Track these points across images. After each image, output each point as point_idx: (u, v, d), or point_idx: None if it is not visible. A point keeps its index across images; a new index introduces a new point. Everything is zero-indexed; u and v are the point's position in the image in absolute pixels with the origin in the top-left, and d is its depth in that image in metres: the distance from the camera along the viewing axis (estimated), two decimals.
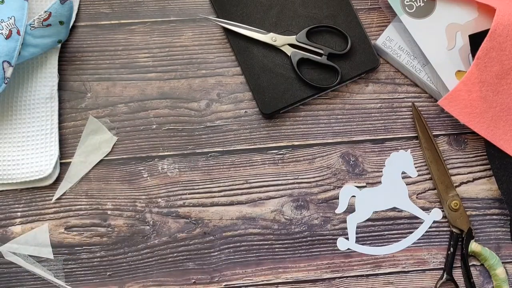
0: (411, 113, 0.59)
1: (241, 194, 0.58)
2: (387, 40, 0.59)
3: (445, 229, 0.58)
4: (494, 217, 0.58)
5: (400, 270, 0.57)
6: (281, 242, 0.57)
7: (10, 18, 0.53)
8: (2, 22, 0.53)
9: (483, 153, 0.59)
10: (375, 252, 0.57)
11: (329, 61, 0.57)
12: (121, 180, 0.58)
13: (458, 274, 0.57)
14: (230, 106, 0.59)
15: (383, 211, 0.58)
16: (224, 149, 0.59)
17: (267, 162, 0.58)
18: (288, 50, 0.58)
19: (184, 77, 0.59)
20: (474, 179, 0.59)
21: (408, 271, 0.57)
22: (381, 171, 0.58)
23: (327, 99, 0.59)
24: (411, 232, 0.58)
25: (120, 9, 0.60)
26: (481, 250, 0.57)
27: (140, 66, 0.59)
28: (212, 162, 0.58)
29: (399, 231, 0.58)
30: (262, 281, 0.57)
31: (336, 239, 0.58)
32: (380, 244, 0.58)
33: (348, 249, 0.58)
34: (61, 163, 0.58)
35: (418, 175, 0.58)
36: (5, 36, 0.53)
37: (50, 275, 0.56)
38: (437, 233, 0.58)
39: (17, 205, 0.57)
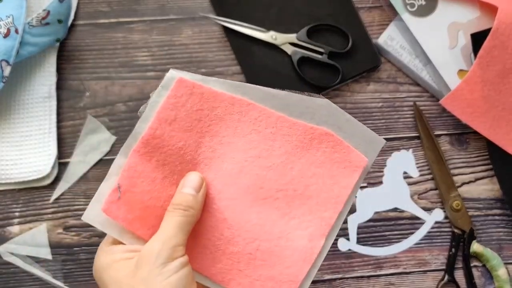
0: (412, 112, 0.59)
1: None
2: (389, 39, 0.58)
3: (446, 229, 0.58)
4: (496, 217, 0.58)
5: (401, 271, 0.57)
6: None
7: (8, 17, 0.53)
8: (0, 21, 0.53)
9: (485, 153, 0.58)
10: (376, 253, 0.57)
11: (330, 60, 0.57)
12: None
13: (459, 275, 0.57)
14: None
15: (384, 211, 0.58)
16: None
17: None
18: (289, 49, 0.57)
19: None
20: (476, 179, 0.58)
21: (410, 272, 0.57)
22: (383, 171, 0.58)
23: (328, 98, 0.59)
24: (412, 233, 0.57)
25: (119, 8, 0.60)
26: (483, 251, 0.56)
27: (139, 65, 0.59)
28: None
29: (401, 232, 0.57)
30: None
31: (337, 239, 0.57)
32: (381, 245, 0.57)
33: (349, 249, 0.57)
34: (59, 163, 0.57)
35: (420, 175, 0.58)
36: (3, 35, 0.52)
37: (49, 275, 0.56)
38: (438, 233, 0.58)
39: (15, 205, 0.57)
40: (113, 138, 0.58)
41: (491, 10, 0.55)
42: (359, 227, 0.57)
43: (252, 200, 0.43)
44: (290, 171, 0.43)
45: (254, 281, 0.43)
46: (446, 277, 0.57)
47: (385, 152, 0.58)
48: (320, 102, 0.43)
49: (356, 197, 0.57)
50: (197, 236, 0.43)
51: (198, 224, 0.43)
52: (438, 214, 0.58)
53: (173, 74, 0.42)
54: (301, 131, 0.43)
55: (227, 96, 0.43)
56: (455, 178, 0.58)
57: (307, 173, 0.43)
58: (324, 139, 0.43)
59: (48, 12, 0.54)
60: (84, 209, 0.56)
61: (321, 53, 0.57)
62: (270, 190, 0.43)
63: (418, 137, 0.59)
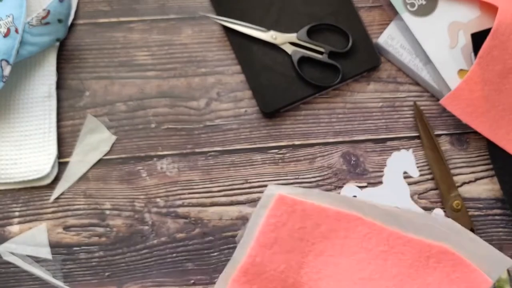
0: (412, 112, 0.59)
1: (241, 194, 0.57)
2: (389, 39, 0.58)
3: None
4: (497, 217, 0.58)
5: None
6: None
7: (9, 16, 0.53)
8: (0, 20, 0.53)
9: (486, 153, 0.58)
10: None
11: (330, 60, 0.57)
12: (119, 180, 0.57)
13: None
14: (229, 105, 0.59)
15: None
16: (223, 149, 0.58)
17: (267, 161, 0.58)
18: (289, 49, 0.57)
19: (183, 75, 0.59)
20: (476, 179, 0.58)
21: None
22: (383, 171, 0.58)
23: (328, 98, 0.59)
24: None
25: (119, 7, 0.60)
26: None
27: (139, 64, 0.59)
28: (211, 162, 0.58)
29: None
30: None
31: None
32: None
33: None
34: (59, 163, 0.57)
35: (420, 175, 0.58)
36: (3, 34, 0.52)
37: (49, 275, 0.56)
38: None
39: (15, 205, 0.57)
40: (113, 137, 0.58)
41: (492, 10, 0.55)
42: None
43: None
44: None
45: None
46: None
47: (385, 152, 0.58)
48: (441, 221, 0.39)
49: (356, 196, 0.57)
50: None
51: None
52: (438, 214, 0.58)
53: (271, 190, 0.39)
54: (417, 249, 0.39)
55: (332, 211, 0.39)
56: (455, 178, 0.58)
57: None
58: (443, 258, 0.39)
59: (48, 12, 0.54)
60: (83, 209, 0.57)
61: (321, 53, 0.57)
62: None
63: (418, 137, 0.59)
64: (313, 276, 0.38)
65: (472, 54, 0.55)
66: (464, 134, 0.59)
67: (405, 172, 0.58)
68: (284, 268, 0.38)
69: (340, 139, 0.59)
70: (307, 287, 0.38)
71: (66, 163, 0.57)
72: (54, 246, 0.57)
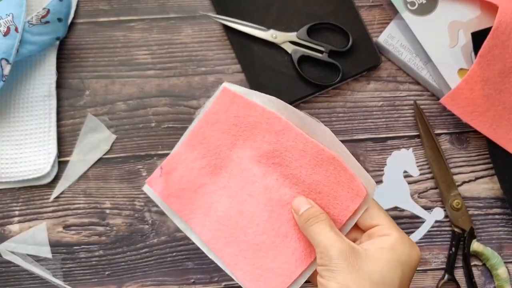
0: (413, 111, 0.59)
1: None
2: (389, 38, 0.58)
3: (446, 228, 0.58)
4: (496, 216, 0.58)
5: None
6: None
7: (8, 15, 0.53)
8: (0, 19, 0.53)
9: (486, 152, 0.58)
10: None
11: (330, 59, 0.57)
12: (119, 179, 0.57)
13: (459, 274, 0.57)
14: None
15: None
16: None
17: None
18: (289, 48, 0.57)
19: (183, 74, 0.59)
20: (476, 178, 0.58)
21: None
22: (383, 170, 0.58)
23: (328, 97, 0.59)
24: (412, 232, 0.57)
25: (119, 6, 0.60)
26: (483, 250, 0.56)
27: (139, 63, 0.59)
28: None
29: None
30: None
31: None
32: None
33: None
34: (59, 162, 0.57)
35: (420, 174, 0.58)
36: (3, 33, 0.52)
37: (49, 274, 0.56)
38: (438, 232, 0.57)
39: (15, 204, 0.57)
40: (113, 136, 0.58)
41: (492, 9, 0.55)
42: None
43: (268, 199, 0.48)
44: (302, 183, 0.47)
45: (255, 269, 0.48)
46: (446, 276, 0.57)
47: (386, 151, 0.58)
48: (323, 128, 0.47)
49: None
50: (219, 221, 0.49)
51: (223, 211, 0.49)
52: (438, 213, 0.58)
53: (223, 85, 0.50)
54: (314, 150, 0.46)
55: (260, 108, 0.48)
56: (455, 177, 0.58)
57: (315, 189, 0.47)
58: (332, 163, 0.46)
59: (48, 11, 0.54)
60: (83, 208, 0.57)
61: (321, 52, 0.57)
62: (285, 195, 0.48)
63: (418, 136, 0.59)
64: (240, 154, 0.49)
65: (472, 53, 0.55)
66: (464, 133, 0.59)
67: (405, 171, 0.58)
68: (220, 143, 0.50)
69: (340, 138, 0.58)
70: (234, 163, 0.50)
71: (66, 162, 0.57)
72: (54, 245, 0.57)
